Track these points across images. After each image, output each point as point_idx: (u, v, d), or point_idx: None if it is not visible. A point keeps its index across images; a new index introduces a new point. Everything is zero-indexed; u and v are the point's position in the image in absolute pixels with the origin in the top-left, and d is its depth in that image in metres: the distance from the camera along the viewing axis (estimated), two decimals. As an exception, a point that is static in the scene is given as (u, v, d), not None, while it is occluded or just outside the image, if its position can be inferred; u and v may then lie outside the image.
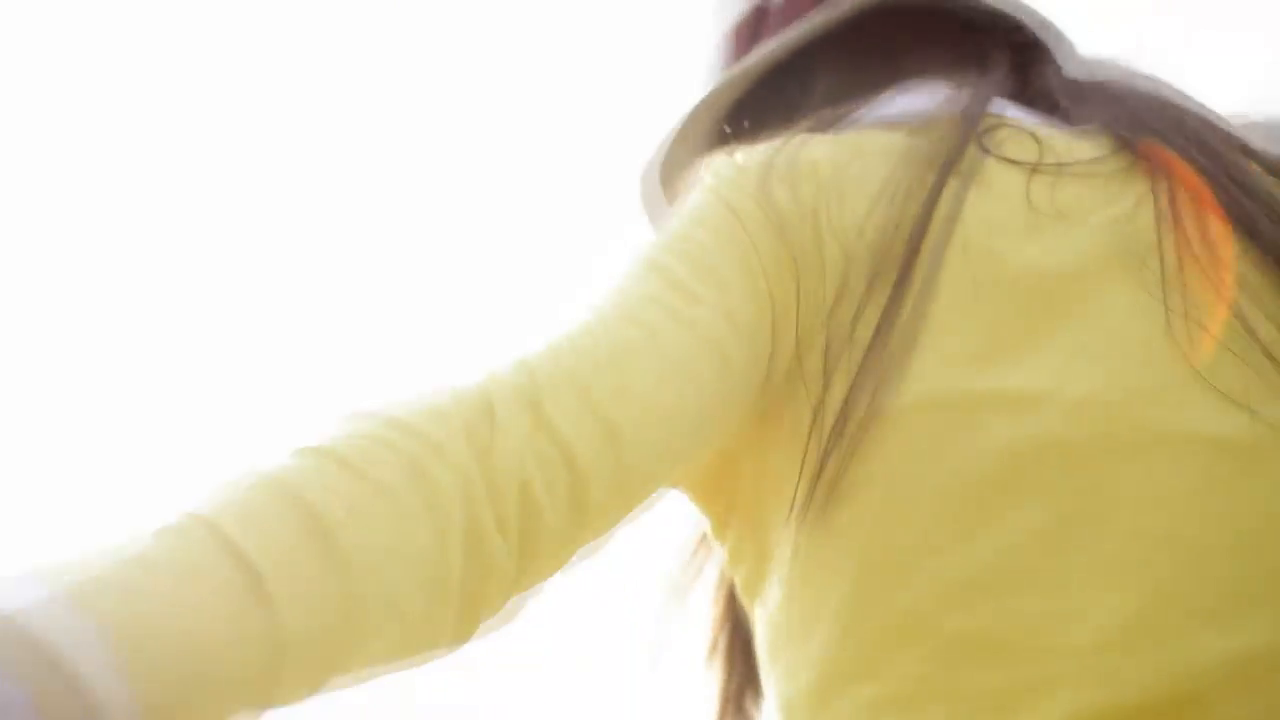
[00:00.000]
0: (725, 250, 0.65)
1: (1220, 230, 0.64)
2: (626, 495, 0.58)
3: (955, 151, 0.69)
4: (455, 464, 0.52)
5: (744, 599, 0.72)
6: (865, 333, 0.63)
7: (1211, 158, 0.68)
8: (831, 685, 0.62)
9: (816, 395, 0.64)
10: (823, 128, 0.75)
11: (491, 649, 0.56)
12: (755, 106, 0.86)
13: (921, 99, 0.77)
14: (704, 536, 0.85)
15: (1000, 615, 0.57)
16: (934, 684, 0.58)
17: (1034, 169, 0.68)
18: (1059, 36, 0.82)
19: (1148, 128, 0.71)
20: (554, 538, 0.55)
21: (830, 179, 0.68)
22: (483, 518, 0.52)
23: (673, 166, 0.87)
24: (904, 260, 0.64)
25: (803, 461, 0.64)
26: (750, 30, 0.88)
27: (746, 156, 0.71)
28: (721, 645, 0.82)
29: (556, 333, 0.60)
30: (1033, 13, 0.83)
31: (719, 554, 0.75)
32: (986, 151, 0.70)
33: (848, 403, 0.62)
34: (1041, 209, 0.65)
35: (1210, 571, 0.53)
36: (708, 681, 0.80)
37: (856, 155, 0.70)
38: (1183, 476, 0.57)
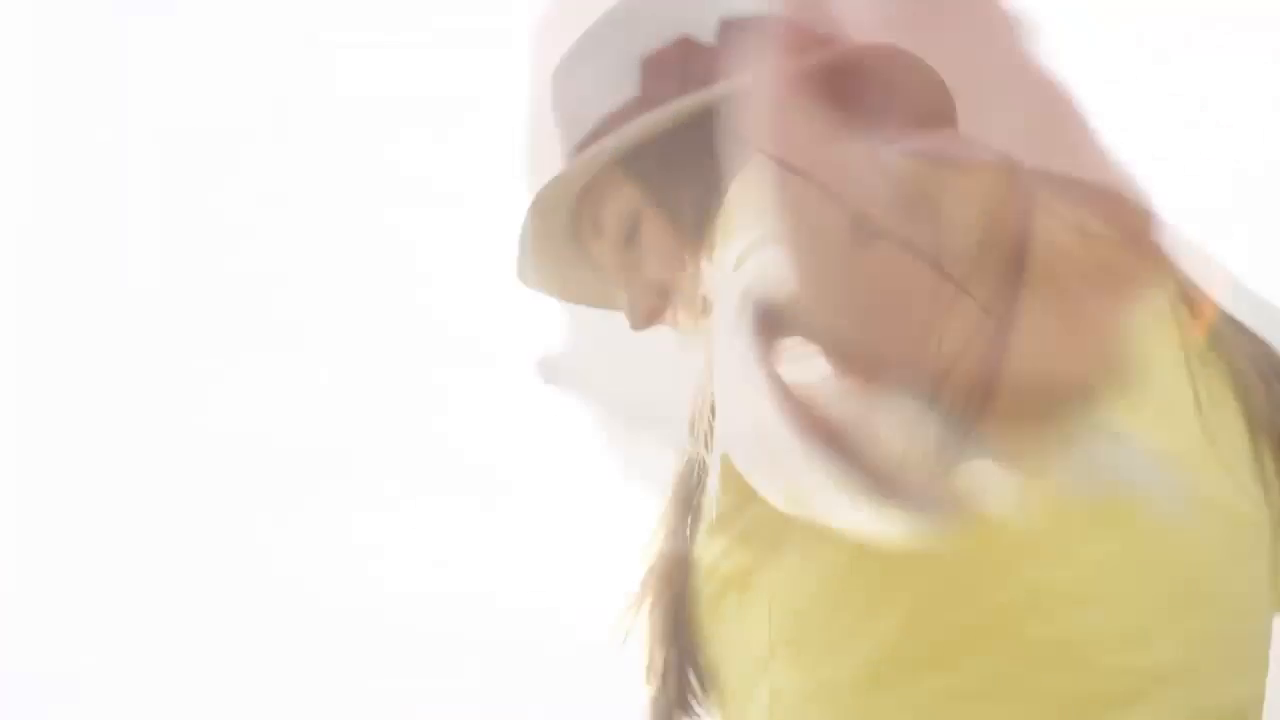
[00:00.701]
0: None
1: (1228, 329, 0.72)
2: None
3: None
4: None
5: (727, 586, 0.73)
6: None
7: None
8: (893, 670, 0.64)
9: None
10: None
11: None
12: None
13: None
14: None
15: (1078, 627, 0.62)
16: (1011, 683, 0.62)
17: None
18: None
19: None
20: None
21: None
22: None
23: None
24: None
25: None
26: (677, 61, 0.90)
27: None
28: (657, 664, 0.82)
29: None
30: None
31: (708, 546, 0.74)
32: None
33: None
34: None
35: (1237, 630, 0.65)
36: (643, 698, 0.81)
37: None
38: (1226, 543, 0.66)
